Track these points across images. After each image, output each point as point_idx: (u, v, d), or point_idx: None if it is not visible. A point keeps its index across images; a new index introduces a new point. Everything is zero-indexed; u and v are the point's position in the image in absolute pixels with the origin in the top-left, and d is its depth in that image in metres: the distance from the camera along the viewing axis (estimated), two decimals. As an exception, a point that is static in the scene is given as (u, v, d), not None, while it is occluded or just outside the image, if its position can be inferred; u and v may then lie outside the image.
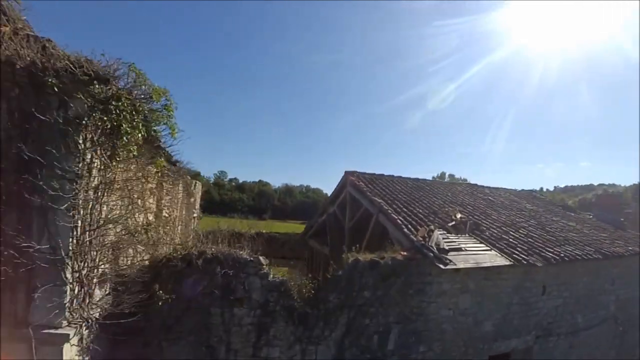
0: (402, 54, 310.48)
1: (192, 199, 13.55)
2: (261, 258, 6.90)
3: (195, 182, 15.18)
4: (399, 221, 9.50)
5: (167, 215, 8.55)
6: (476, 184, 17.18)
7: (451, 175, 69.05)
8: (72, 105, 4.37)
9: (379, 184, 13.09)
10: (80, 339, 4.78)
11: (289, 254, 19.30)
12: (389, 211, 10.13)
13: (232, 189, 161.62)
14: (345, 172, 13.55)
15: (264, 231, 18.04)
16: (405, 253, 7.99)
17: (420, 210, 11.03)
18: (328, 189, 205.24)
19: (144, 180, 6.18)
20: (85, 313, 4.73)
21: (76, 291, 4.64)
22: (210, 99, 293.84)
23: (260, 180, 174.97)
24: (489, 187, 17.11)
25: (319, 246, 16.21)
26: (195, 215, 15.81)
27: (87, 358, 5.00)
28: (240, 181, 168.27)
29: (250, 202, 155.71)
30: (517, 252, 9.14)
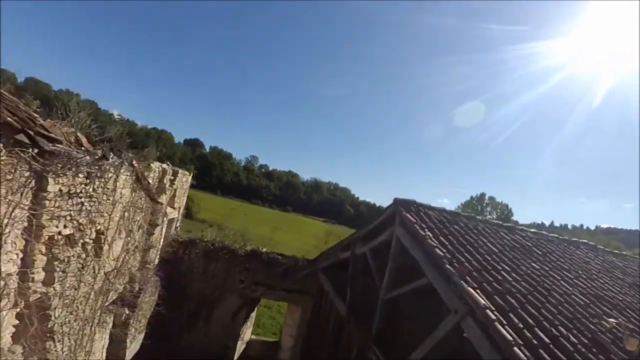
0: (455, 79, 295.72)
1: (162, 197, 9.80)
2: None
3: (176, 172, 11.18)
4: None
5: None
6: (596, 246, 10.92)
7: (491, 198, 60.93)
8: None
9: (454, 232, 7.45)
10: None
11: (293, 287, 14.18)
12: (495, 322, 4.52)
13: (261, 175, 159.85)
14: (395, 200, 8.03)
15: (263, 250, 14.18)
16: None
17: (548, 314, 5.32)
18: (356, 190, 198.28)
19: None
20: None
21: None
22: (254, 83, 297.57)
23: (290, 171, 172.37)
24: (613, 253, 10.81)
25: (333, 292, 10.99)
26: (174, 217, 11.28)
27: None
28: (270, 168, 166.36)
29: (276, 192, 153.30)
30: None
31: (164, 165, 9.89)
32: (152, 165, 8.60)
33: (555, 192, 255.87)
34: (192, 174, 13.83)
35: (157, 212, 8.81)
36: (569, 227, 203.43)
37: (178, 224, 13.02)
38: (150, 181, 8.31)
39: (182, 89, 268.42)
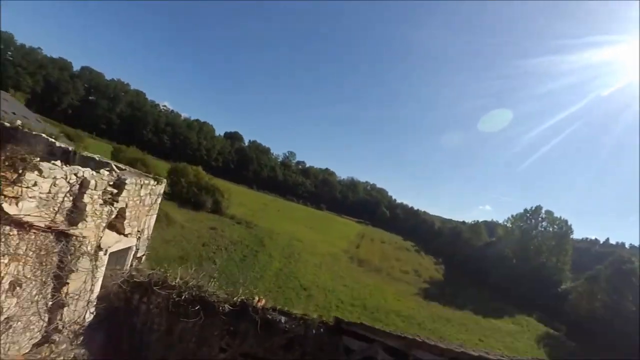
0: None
1: (83, 223, 6.47)
2: None
3: (121, 182, 7.47)
4: None
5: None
6: None
7: (549, 212, 54.06)
8: None
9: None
10: None
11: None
12: None
13: (298, 171, 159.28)
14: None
15: (259, 305, 8.50)
16: None
17: None
18: (393, 192, 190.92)
19: None
20: None
21: None
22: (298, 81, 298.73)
23: (327, 169, 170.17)
24: None
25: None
26: (130, 246, 8.14)
27: None
28: (307, 165, 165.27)
29: (311, 189, 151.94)
30: None
31: (84, 172, 6.24)
32: (37, 171, 5.19)
33: (610, 207, 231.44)
34: (164, 184, 9.90)
35: (70, 250, 6.00)
36: (627, 245, 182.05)
37: (142, 254, 9.33)
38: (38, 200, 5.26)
39: (229, 85, 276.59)
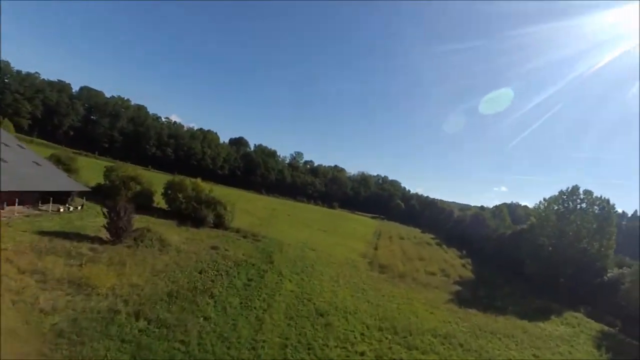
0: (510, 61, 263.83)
1: None
2: None
3: None
4: None
5: None
6: None
7: (587, 192, 48.35)
8: None
9: None
10: None
11: None
12: None
13: (306, 171, 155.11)
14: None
15: None
16: None
17: None
18: (407, 183, 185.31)
19: None
20: None
21: None
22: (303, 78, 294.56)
23: (335, 166, 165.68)
24: None
25: None
26: None
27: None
28: (315, 164, 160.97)
29: (322, 188, 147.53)
30: None
31: None
32: None
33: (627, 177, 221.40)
34: None
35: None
36: None
37: None
38: None
39: (230, 91, 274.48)
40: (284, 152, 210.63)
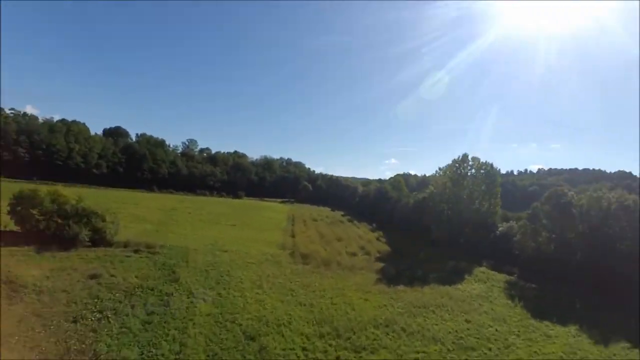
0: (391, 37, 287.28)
1: None
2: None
3: None
4: None
5: None
6: None
7: (475, 159, 54.21)
8: None
9: None
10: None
11: None
12: None
13: (203, 160, 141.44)
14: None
15: None
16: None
17: None
18: (311, 164, 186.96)
19: None
20: None
21: None
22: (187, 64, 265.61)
23: (235, 152, 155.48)
24: None
25: None
26: None
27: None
28: (213, 152, 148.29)
29: (223, 177, 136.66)
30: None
31: None
32: None
33: (493, 141, 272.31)
34: None
35: None
36: (515, 172, 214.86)
37: None
38: None
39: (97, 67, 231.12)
40: (174, 140, 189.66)
